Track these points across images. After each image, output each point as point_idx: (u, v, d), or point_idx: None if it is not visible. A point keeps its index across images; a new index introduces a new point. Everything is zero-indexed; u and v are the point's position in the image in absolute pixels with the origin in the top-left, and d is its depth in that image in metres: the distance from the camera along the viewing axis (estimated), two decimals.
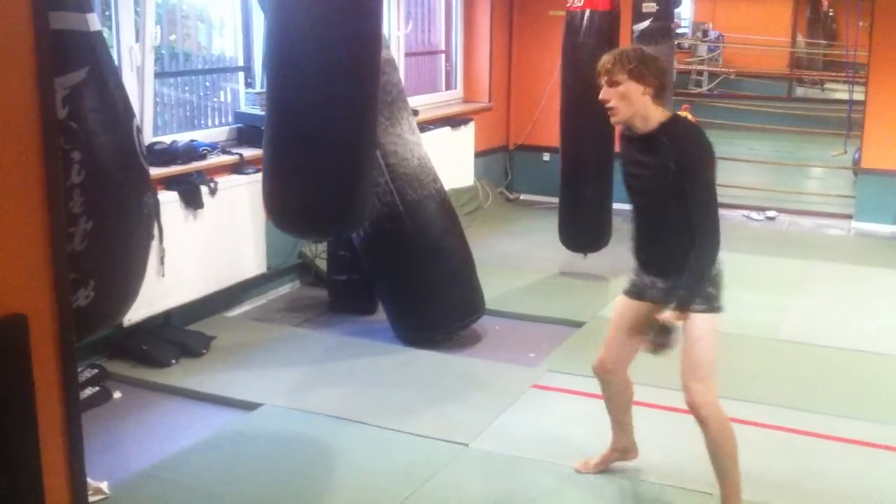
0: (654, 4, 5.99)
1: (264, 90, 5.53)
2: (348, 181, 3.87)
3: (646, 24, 5.91)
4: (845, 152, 9.15)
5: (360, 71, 3.78)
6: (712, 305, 2.99)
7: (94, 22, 2.82)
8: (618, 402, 3.38)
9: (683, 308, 2.91)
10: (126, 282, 2.98)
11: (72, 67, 2.69)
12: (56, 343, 1.51)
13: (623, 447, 3.46)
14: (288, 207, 3.96)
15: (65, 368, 1.50)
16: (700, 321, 2.96)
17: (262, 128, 5.17)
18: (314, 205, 3.89)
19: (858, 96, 8.19)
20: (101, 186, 2.79)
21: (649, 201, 3.04)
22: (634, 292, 3.19)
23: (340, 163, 3.82)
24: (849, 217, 7.53)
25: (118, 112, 2.86)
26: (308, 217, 3.97)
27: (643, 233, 3.12)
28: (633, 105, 2.93)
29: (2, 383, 1.40)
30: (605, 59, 2.98)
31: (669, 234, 2.99)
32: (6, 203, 1.45)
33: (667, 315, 2.92)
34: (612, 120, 3.00)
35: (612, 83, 2.94)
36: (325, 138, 3.75)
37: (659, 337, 2.95)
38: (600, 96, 2.98)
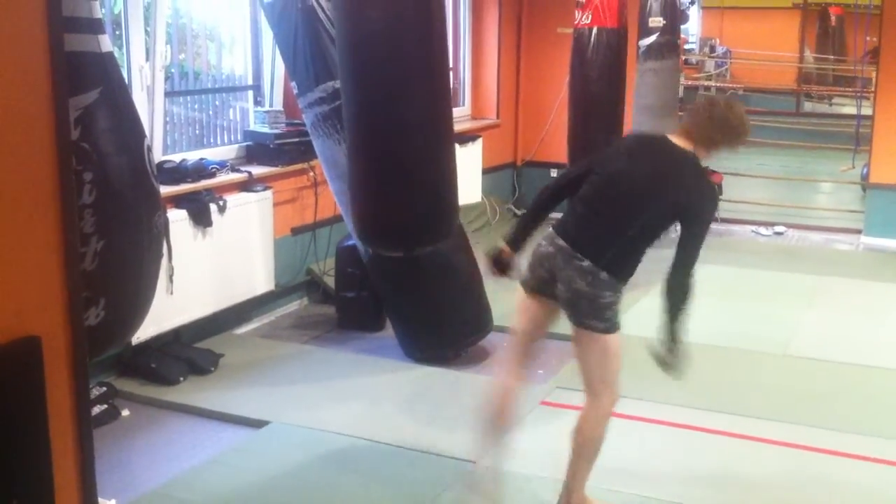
0: (660, 19, 6.01)
1: (274, 109, 5.61)
2: (443, 190, 4.05)
3: (652, 38, 5.93)
4: (853, 167, 9.15)
5: (440, 79, 3.95)
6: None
7: (105, 43, 2.86)
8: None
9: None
10: (136, 301, 3.00)
11: (84, 88, 2.72)
12: (69, 365, 1.51)
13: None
14: (387, 223, 4.10)
15: (77, 390, 1.50)
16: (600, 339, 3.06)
17: (272, 147, 5.32)
18: (419, 218, 4.05)
19: (867, 111, 8.19)
20: (113, 206, 2.81)
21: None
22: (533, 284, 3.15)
23: (435, 176, 3.99)
24: (858, 232, 7.51)
25: (130, 132, 2.89)
26: (412, 231, 4.11)
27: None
28: None
29: (15, 405, 1.41)
30: None
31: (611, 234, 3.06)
32: (22, 224, 1.46)
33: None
34: None
35: None
36: (421, 154, 3.91)
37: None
38: None
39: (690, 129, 3.04)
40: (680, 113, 6.93)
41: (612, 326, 2.98)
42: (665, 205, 2.97)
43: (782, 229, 7.82)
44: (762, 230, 7.82)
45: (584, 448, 3.11)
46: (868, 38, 10.33)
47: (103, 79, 2.82)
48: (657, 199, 2.97)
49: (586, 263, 2.93)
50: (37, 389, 1.44)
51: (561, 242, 3.01)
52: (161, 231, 3.13)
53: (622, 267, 2.98)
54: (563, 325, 4.74)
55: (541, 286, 3.08)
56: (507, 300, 5.47)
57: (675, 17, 6.13)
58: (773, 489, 3.45)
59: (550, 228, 3.11)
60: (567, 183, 3.21)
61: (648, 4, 6.02)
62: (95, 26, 2.81)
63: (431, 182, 3.96)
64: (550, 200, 3.27)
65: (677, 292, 2.96)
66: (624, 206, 2.99)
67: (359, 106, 3.90)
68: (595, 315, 2.96)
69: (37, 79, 1.46)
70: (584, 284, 2.94)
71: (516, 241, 3.29)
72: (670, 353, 3.01)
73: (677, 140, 3.04)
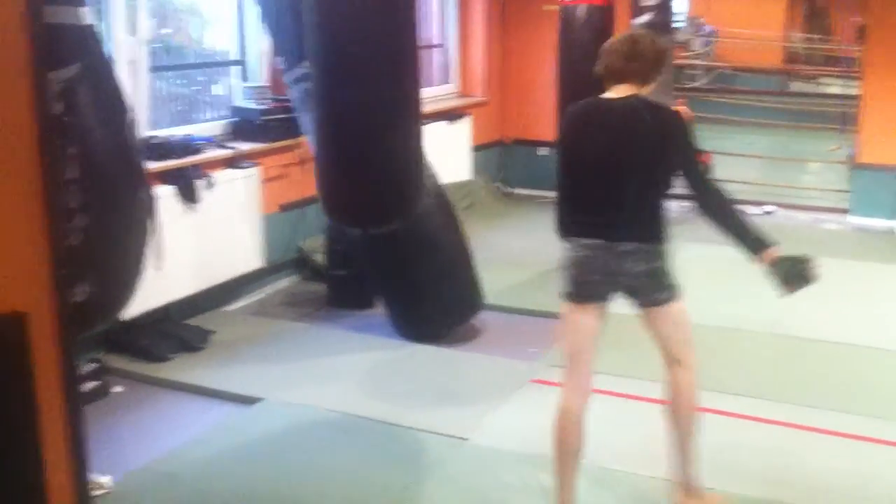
0: None
1: (260, 84, 5.56)
2: (405, 171, 3.93)
3: (645, 17, 5.90)
4: (840, 147, 9.18)
5: (406, 61, 3.84)
6: (676, 292, 3.02)
7: (86, 15, 2.80)
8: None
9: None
10: (124, 277, 2.97)
11: (65, 62, 2.67)
12: (56, 341, 1.50)
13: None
14: (352, 199, 3.97)
15: (65, 366, 1.49)
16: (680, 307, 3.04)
17: (259, 123, 5.26)
18: (377, 193, 3.91)
19: (852, 91, 8.21)
20: (97, 181, 2.78)
21: None
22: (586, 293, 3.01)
23: (398, 155, 3.86)
24: (845, 212, 7.54)
25: (113, 107, 2.85)
26: (370, 206, 3.98)
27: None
28: None
29: (2, 383, 1.40)
30: None
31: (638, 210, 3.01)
32: (3, 200, 1.44)
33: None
34: None
35: None
36: (383, 133, 3.79)
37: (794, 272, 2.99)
38: None
39: (623, 75, 2.96)
40: (675, 93, 6.92)
41: (675, 292, 3.00)
42: (644, 157, 2.90)
43: (771, 209, 7.85)
44: (751, 209, 7.83)
45: (691, 420, 3.07)
46: (853, 19, 10.33)
47: (84, 52, 2.77)
48: (634, 156, 2.91)
49: (629, 245, 2.90)
50: (24, 366, 1.43)
51: (591, 241, 2.93)
52: (148, 206, 3.10)
53: (656, 230, 2.95)
54: (556, 303, 4.74)
55: (593, 293, 2.98)
56: (497, 279, 5.51)
57: None
58: (758, 466, 3.47)
59: (567, 236, 3.01)
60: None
61: None
62: None
63: (388, 162, 3.86)
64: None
65: (724, 206, 2.97)
66: (613, 180, 2.93)
67: (321, 82, 3.85)
68: (659, 288, 2.96)
69: (13, 52, 1.43)
70: (640, 265, 2.91)
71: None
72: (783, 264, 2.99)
73: (613, 93, 2.97)
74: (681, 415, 3.06)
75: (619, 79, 2.96)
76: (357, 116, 3.75)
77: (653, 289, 2.95)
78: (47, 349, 1.52)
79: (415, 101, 3.98)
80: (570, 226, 3.01)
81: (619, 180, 2.92)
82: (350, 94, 3.72)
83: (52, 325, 1.53)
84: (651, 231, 2.94)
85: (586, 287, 2.97)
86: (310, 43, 3.85)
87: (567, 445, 3.01)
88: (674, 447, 3.10)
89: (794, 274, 3.00)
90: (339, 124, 3.82)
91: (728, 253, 3.20)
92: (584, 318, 2.99)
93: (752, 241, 3.00)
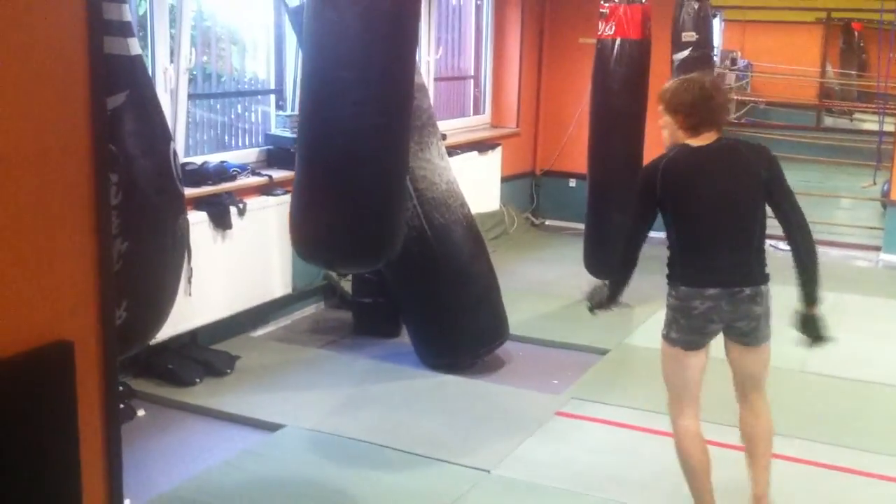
0: (693, 34, 5.99)
1: (295, 113, 5.63)
2: (381, 208, 3.76)
3: (685, 53, 5.91)
4: (875, 184, 9.09)
5: (396, 95, 3.71)
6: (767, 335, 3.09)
7: (134, 46, 2.87)
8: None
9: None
10: (158, 303, 3.01)
11: (112, 91, 2.73)
12: (100, 370, 1.51)
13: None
14: (317, 236, 3.81)
15: (107, 395, 1.51)
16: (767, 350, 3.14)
17: (294, 151, 5.31)
18: (345, 233, 3.73)
19: (889, 127, 8.14)
20: (138, 209, 2.83)
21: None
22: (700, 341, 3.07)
23: (374, 190, 3.71)
24: (877, 249, 7.46)
25: (156, 135, 2.90)
26: (337, 246, 3.81)
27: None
28: (667, 136, 3.12)
29: (47, 409, 1.41)
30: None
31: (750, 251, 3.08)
32: (56, 228, 1.45)
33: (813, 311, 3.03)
34: None
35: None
36: (359, 165, 3.65)
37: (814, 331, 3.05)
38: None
39: (713, 123, 3.03)
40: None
41: (771, 331, 3.10)
42: (759, 197, 3.01)
43: None
44: (781, 245, 7.74)
45: (772, 440, 3.20)
46: (892, 55, 10.27)
47: (131, 81, 2.84)
48: (753, 198, 3.01)
49: (750, 290, 2.99)
50: (68, 393, 1.44)
51: (715, 291, 2.98)
52: (184, 234, 3.15)
53: (765, 271, 3.06)
54: (581, 335, 4.70)
55: (708, 339, 3.07)
56: (523, 309, 5.50)
57: (708, 31, 6.09)
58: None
59: (684, 287, 3.01)
60: (644, 232, 3.16)
61: (681, 19, 6.00)
62: (125, 29, 2.83)
63: (364, 196, 3.67)
64: (637, 253, 3.20)
65: (813, 250, 3.05)
66: (739, 225, 3.01)
67: (302, 109, 3.78)
68: (768, 326, 3.08)
69: (76, 81, 1.46)
70: (758, 308, 3.01)
71: (616, 299, 3.32)
72: (816, 321, 3.06)
73: (703, 140, 3.03)
74: (768, 436, 3.17)
75: (710, 126, 3.03)
76: (334, 144, 3.60)
77: (762, 329, 3.05)
78: (91, 377, 1.53)
79: (400, 132, 3.78)
80: (692, 276, 3.01)
81: (744, 225, 3.02)
82: (326, 120, 3.60)
83: (96, 354, 1.54)
84: (763, 272, 3.05)
85: (704, 337, 3.04)
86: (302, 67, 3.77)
87: (700, 464, 3.09)
88: (759, 468, 3.17)
89: (817, 332, 3.10)
90: (315, 152, 3.69)
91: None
92: (695, 360, 3.06)
93: (813, 292, 3.06)
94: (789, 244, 3.04)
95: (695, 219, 3.03)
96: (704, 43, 6.04)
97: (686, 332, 3.02)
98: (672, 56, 6.05)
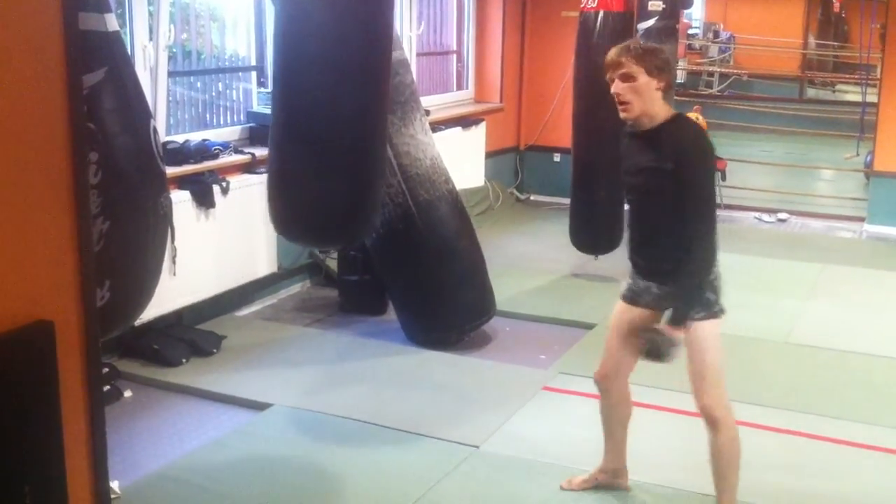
0: (660, 3, 5.96)
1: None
2: (359, 185, 3.71)
3: (651, 22, 5.89)
4: (858, 155, 9.13)
5: (372, 70, 3.64)
6: (713, 311, 2.93)
7: (112, 22, 2.83)
8: (615, 414, 3.25)
9: (681, 322, 2.85)
10: (141, 282, 2.99)
11: (90, 68, 2.69)
12: (82, 349, 1.49)
13: (613, 468, 3.32)
14: (295, 214, 3.76)
15: (90, 375, 1.49)
16: (703, 328, 2.91)
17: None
18: (322, 211, 3.69)
19: (871, 98, 8.16)
20: (118, 187, 2.79)
21: (646, 202, 2.99)
22: (630, 297, 3.14)
23: (351, 166, 3.65)
24: (861, 220, 7.50)
25: (135, 113, 2.87)
26: (315, 224, 3.77)
27: (637, 234, 3.06)
28: (644, 101, 2.88)
29: (29, 390, 1.39)
30: (617, 53, 2.92)
31: (665, 237, 2.93)
32: (34, 207, 1.43)
33: (665, 328, 2.87)
34: (623, 115, 2.93)
35: (626, 77, 2.87)
36: (335, 140, 3.58)
37: (653, 347, 2.90)
38: (613, 90, 2.91)
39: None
40: (684, 99, 6.88)
41: None
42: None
43: (785, 216, 7.81)
44: (765, 217, 7.81)
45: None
46: (873, 26, 10.27)
47: (109, 58, 2.79)
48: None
49: None
50: (50, 373, 1.43)
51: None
52: (166, 213, 3.12)
53: None
54: (568, 310, 4.72)
55: None
56: (509, 285, 5.51)
57: (674, 1, 6.07)
58: (774, 476, 3.45)
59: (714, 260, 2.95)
60: None
61: None
62: (102, 5, 2.79)
63: (350, 174, 3.64)
64: None
65: (696, 258, 2.89)
66: None
67: (276, 85, 3.72)
68: None
69: (52, 58, 1.43)
70: None
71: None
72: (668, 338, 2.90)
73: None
74: None
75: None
76: (310, 123, 3.55)
77: None
78: (73, 358, 1.52)
79: (377, 112, 3.73)
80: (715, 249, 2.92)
81: None
82: (304, 100, 3.55)
83: (78, 334, 1.53)
84: None
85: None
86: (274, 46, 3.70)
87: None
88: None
89: (651, 350, 2.94)
90: (291, 130, 3.63)
91: (740, 260, 3.18)
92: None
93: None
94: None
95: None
96: (670, 13, 6.02)
97: (720, 299, 2.94)
98: (636, 25, 6.03)
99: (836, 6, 15.42)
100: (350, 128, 3.61)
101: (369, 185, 3.76)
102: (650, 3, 5.97)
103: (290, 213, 3.79)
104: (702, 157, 2.91)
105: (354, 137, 3.62)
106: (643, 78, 2.86)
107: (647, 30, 5.95)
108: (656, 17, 5.93)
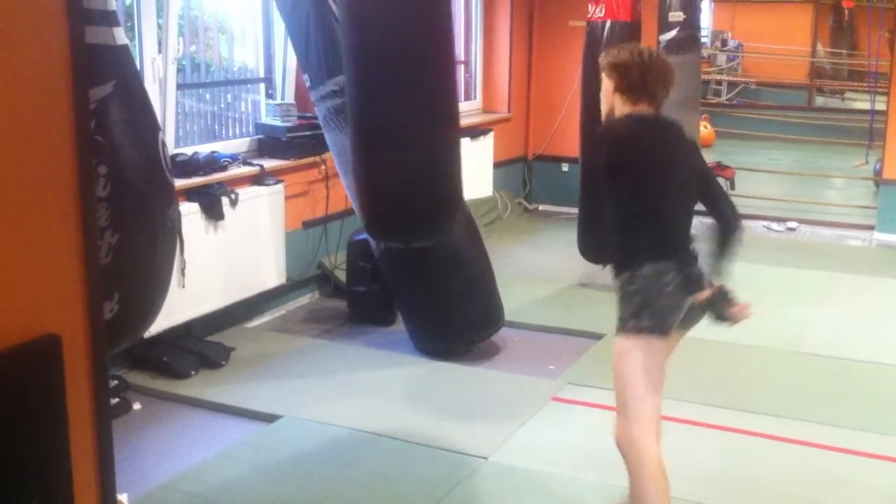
0: (680, 14, 5.97)
1: (285, 101, 5.60)
2: (443, 182, 4.02)
3: (672, 33, 5.89)
4: (867, 163, 9.10)
5: (445, 67, 3.95)
6: (625, 324, 2.74)
7: (120, 35, 2.85)
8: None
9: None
10: (150, 295, 3.00)
11: (98, 81, 2.71)
12: (89, 363, 1.49)
13: None
14: (391, 215, 4.06)
15: (97, 389, 1.49)
16: (617, 343, 2.79)
17: (285, 140, 5.31)
18: (418, 207, 3.99)
19: (880, 106, 8.14)
20: (127, 200, 2.80)
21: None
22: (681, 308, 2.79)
23: (433, 164, 3.95)
24: (871, 228, 7.47)
25: (144, 125, 2.88)
26: (412, 221, 4.06)
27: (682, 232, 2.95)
28: (606, 102, 2.90)
29: (36, 404, 1.39)
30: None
31: (614, 233, 2.90)
32: (40, 220, 1.44)
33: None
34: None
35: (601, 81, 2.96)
36: (417, 143, 3.86)
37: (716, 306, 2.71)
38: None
39: (656, 97, 2.87)
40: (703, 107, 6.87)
41: None
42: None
43: (794, 225, 7.79)
44: (774, 225, 7.78)
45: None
46: (882, 34, 10.26)
47: (118, 72, 2.81)
48: (698, 172, 3.01)
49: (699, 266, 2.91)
50: (57, 388, 1.43)
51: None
52: (175, 225, 3.13)
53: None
54: (576, 320, 4.71)
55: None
56: (517, 295, 5.50)
57: (694, 11, 6.07)
58: (783, 486, 3.43)
59: (675, 257, 2.76)
60: None
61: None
62: (110, 18, 2.80)
63: (427, 175, 3.95)
64: None
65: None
66: (692, 198, 2.97)
67: (357, 98, 3.90)
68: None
69: (58, 71, 1.43)
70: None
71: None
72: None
73: (649, 109, 2.87)
74: None
75: (653, 100, 2.88)
76: (394, 131, 3.82)
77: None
78: (80, 371, 1.51)
79: (450, 112, 4.05)
80: (677, 247, 2.76)
81: (693, 198, 2.91)
82: (386, 109, 3.80)
83: (85, 348, 1.52)
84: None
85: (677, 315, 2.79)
86: (345, 52, 3.92)
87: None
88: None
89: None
90: (376, 140, 3.88)
91: (749, 269, 3.17)
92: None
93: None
94: (717, 221, 2.90)
95: (671, 187, 2.83)
96: (691, 23, 6.02)
97: (660, 316, 2.73)
98: (658, 37, 6.03)
99: (846, 14, 15.40)
100: (430, 126, 3.93)
101: (449, 179, 4.12)
102: (670, 14, 5.97)
103: (379, 214, 4.12)
104: (611, 148, 2.85)
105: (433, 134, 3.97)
106: (605, 80, 2.91)
107: (669, 41, 5.95)
108: (678, 28, 5.93)
